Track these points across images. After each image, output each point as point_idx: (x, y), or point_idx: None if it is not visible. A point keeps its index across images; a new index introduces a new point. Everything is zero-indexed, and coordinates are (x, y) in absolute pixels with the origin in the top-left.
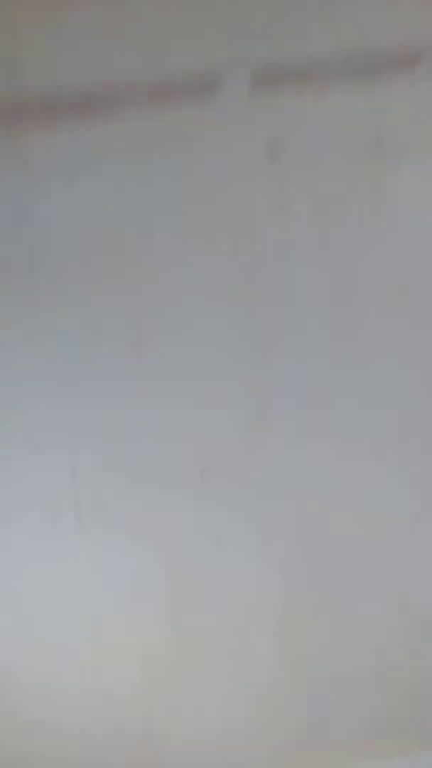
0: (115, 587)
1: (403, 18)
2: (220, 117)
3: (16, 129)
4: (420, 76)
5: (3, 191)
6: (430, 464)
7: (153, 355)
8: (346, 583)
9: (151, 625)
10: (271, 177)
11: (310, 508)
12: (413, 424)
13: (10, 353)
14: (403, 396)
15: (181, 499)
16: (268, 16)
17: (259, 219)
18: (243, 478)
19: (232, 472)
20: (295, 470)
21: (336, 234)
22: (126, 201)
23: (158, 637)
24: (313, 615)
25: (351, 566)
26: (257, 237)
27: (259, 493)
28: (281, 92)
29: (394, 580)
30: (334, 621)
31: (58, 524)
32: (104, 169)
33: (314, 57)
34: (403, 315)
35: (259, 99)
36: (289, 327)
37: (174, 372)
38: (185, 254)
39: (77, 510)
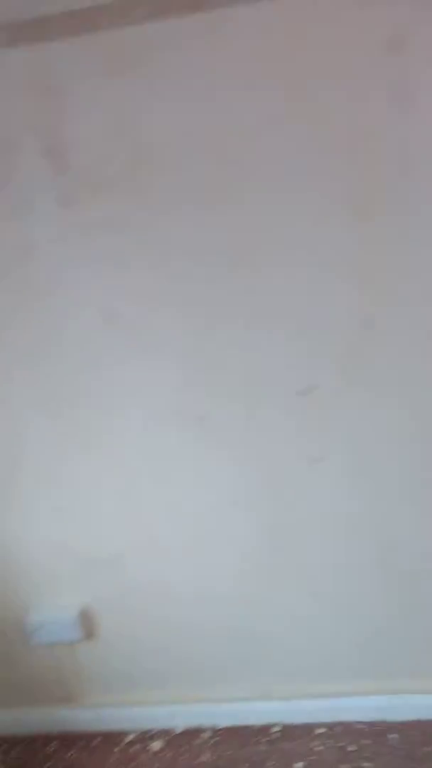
0: (215, 490)
1: None
2: None
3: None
4: None
5: (107, 96)
6: None
7: (255, 274)
8: None
9: (248, 532)
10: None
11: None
12: None
13: (121, 262)
14: None
15: (278, 418)
16: None
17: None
18: (343, 403)
19: (332, 394)
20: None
21: None
22: (227, 107)
23: (253, 542)
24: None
25: None
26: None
27: (359, 418)
28: None
29: None
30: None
31: (165, 428)
32: (214, 72)
33: None
34: None
35: None
36: (403, 245)
37: (276, 291)
38: (292, 170)
39: (181, 416)
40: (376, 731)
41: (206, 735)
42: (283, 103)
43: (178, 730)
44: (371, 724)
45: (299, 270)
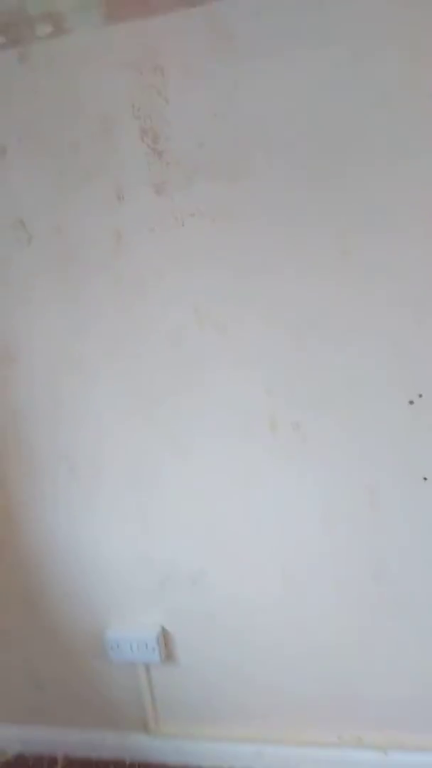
0: (309, 507)
1: None
2: None
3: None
4: None
5: (210, 74)
6: None
7: (361, 273)
8: None
9: (346, 557)
10: None
11: None
12: None
13: (215, 257)
14: None
15: (382, 428)
16: None
17: None
18: None
19: None
20: None
21: None
22: (341, 84)
23: (354, 570)
24: None
25: None
26: None
27: None
28: None
29: None
30: None
31: (256, 435)
32: (325, 47)
33: None
34: None
35: None
36: None
37: (380, 281)
38: (397, 152)
39: (274, 424)
40: None
41: None
42: (398, 78)
43: None
44: None
45: (408, 267)
